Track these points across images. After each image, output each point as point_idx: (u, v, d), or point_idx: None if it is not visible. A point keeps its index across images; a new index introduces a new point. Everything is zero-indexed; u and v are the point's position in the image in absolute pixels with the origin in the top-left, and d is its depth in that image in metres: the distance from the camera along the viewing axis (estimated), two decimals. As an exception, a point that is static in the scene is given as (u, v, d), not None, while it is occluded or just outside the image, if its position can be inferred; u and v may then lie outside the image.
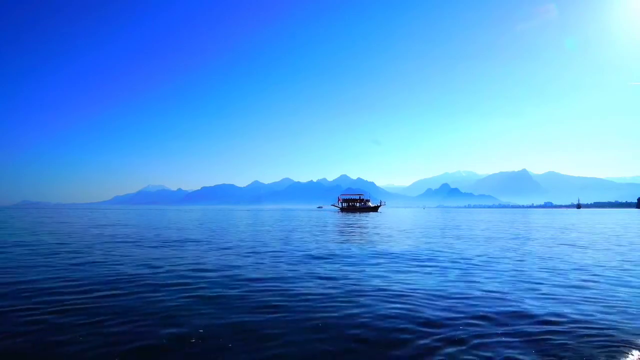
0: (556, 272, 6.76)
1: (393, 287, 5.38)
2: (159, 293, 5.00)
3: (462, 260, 8.07)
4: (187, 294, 4.94)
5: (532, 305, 4.48)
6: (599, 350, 3.17)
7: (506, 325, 3.77)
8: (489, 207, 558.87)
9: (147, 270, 6.65)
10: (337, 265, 7.38)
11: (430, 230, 18.08)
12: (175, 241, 12.03)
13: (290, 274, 6.37)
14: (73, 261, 7.74)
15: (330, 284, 5.66)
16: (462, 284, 5.64)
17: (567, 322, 3.88)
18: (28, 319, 3.88)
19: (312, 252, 9.35)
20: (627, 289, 5.43)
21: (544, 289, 5.36)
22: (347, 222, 27.25)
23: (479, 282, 5.83)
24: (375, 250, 9.78)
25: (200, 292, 5.03)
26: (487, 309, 4.28)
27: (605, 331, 3.61)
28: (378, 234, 15.74)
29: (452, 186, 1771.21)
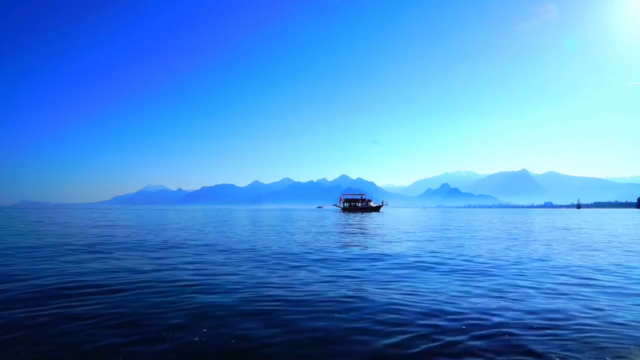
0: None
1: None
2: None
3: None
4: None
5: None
6: None
7: None
8: (489, 207, 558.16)
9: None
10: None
11: (487, 237, 15.61)
12: (223, 250, 12.05)
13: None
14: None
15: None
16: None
17: None
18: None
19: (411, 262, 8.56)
20: None
21: None
22: (360, 223, 27.27)
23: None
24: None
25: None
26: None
27: None
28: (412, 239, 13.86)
29: (452, 186, 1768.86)
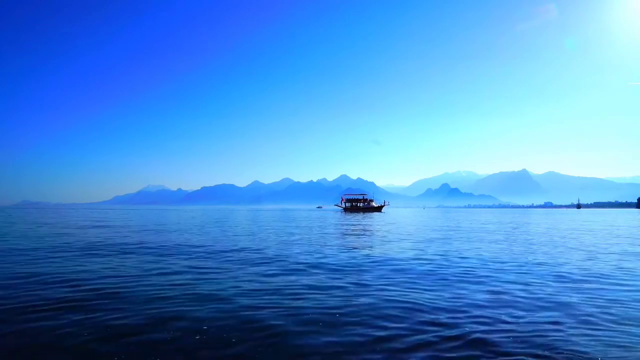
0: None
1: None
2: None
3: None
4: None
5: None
6: None
7: None
8: (489, 207, 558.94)
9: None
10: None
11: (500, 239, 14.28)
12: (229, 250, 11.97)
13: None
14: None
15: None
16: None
17: None
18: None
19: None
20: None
21: None
22: (366, 224, 27.18)
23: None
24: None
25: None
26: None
27: None
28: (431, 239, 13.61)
29: (452, 186, 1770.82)
